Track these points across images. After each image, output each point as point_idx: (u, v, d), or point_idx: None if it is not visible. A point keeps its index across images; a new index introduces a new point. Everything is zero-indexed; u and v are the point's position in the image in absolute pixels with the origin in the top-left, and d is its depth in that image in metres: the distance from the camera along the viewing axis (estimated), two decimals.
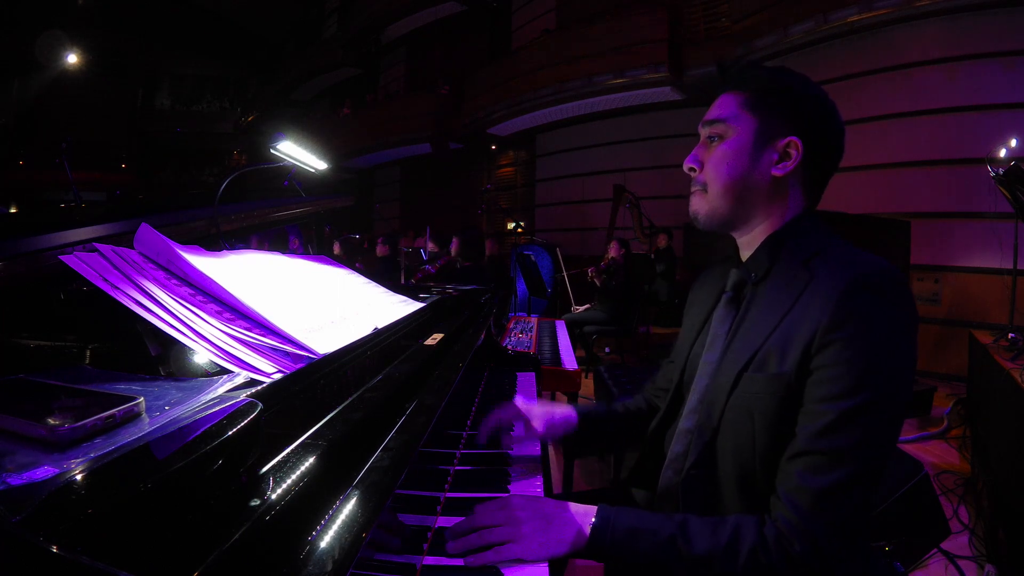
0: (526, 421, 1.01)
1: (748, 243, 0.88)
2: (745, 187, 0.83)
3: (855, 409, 0.66)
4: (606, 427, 1.08)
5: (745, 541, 0.68)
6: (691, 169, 0.88)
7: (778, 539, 0.67)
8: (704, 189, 0.86)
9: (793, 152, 0.81)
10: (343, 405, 0.63)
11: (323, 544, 0.43)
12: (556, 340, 2.55)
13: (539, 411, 1.02)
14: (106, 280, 0.72)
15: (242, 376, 0.69)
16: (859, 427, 0.66)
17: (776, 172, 0.82)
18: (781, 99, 0.82)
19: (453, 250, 3.83)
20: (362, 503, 0.49)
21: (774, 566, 0.66)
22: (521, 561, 0.67)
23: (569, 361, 2.13)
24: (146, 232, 0.82)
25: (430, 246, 5.52)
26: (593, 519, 0.72)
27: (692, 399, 0.87)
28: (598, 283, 4.79)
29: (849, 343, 0.68)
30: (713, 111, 0.87)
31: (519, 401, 1.02)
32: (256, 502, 0.42)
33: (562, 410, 1.04)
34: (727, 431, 0.78)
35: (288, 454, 0.49)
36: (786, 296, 0.76)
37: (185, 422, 0.48)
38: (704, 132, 0.88)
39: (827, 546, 0.66)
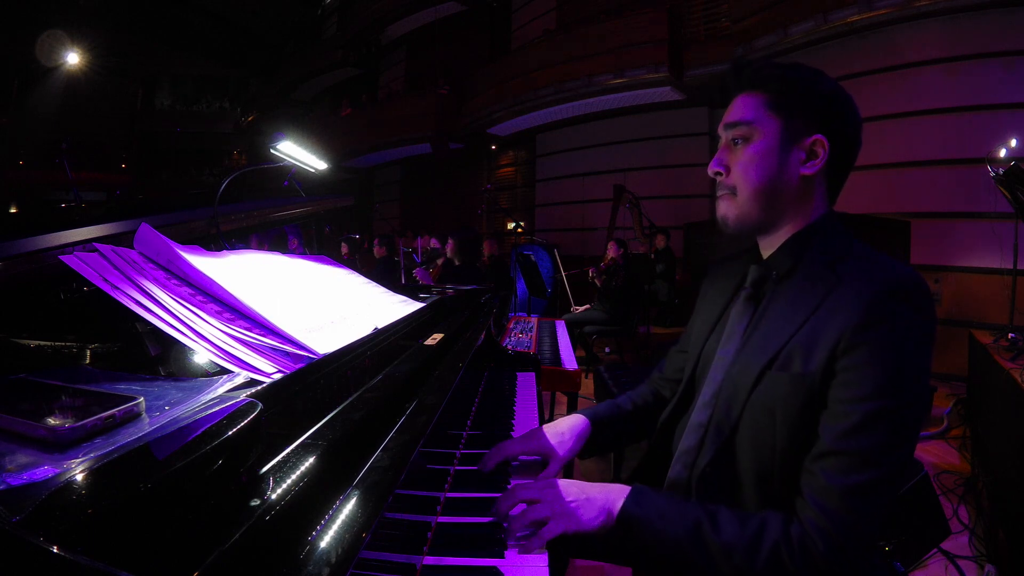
0: (543, 457, 0.96)
1: (770, 242, 0.87)
2: (775, 189, 0.82)
3: (881, 411, 0.67)
4: (615, 427, 1.05)
5: (769, 535, 0.68)
6: (717, 173, 0.86)
7: (803, 538, 0.67)
8: (733, 193, 0.85)
9: (820, 151, 0.81)
10: (343, 405, 0.63)
11: (323, 544, 0.43)
12: (556, 340, 2.55)
13: (553, 442, 0.96)
14: (106, 280, 0.72)
15: (242, 376, 0.69)
16: (885, 429, 0.67)
17: (805, 171, 0.82)
18: (802, 98, 0.82)
19: (449, 250, 3.81)
20: (362, 503, 0.49)
21: (796, 565, 0.67)
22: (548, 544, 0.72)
23: (569, 361, 2.12)
24: (146, 232, 0.82)
25: (433, 243, 5.50)
26: (625, 498, 0.75)
27: (706, 392, 0.87)
28: (599, 284, 4.79)
29: (877, 346, 0.68)
30: (734, 113, 0.85)
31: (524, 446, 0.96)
32: (256, 502, 0.42)
33: (571, 428, 0.99)
34: (747, 429, 0.78)
35: (288, 454, 0.49)
36: (811, 296, 0.76)
37: (185, 422, 0.48)
38: (727, 135, 0.86)
39: (850, 547, 0.66)
